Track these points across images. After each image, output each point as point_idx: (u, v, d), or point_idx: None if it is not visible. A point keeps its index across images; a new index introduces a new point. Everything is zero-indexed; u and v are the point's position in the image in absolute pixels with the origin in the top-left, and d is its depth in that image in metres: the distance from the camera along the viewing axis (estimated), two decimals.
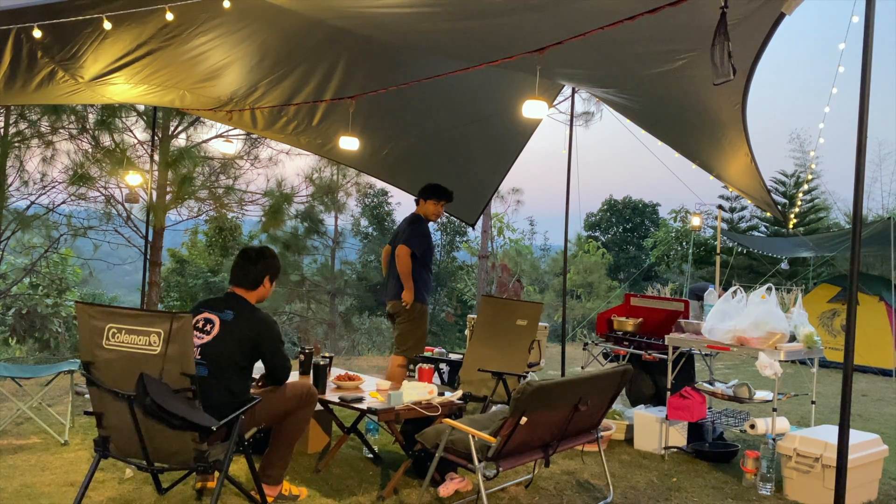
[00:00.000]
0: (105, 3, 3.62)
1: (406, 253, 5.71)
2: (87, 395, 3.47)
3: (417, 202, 6.08)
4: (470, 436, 3.44)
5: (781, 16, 3.39)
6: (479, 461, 3.40)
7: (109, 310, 3.24)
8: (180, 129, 11.05)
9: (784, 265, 14.02)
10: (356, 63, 5.34)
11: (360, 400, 4.22)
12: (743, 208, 23.11)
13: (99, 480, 4.02)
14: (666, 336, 5.22)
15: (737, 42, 3.17)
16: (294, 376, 4.39)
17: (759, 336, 4.60)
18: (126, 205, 11.04)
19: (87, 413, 3.39)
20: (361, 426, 4.81)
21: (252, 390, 3.79)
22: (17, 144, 9.90)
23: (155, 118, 8.76)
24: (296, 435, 3.86)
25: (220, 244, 15.59)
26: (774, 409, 4.63)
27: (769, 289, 4.79)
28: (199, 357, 3.48)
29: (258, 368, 3.81)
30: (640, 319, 6.15)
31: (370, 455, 4.78)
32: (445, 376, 6.11)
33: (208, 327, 3.60)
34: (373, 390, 4.44)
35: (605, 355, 6.40)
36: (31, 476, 4.17)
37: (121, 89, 5.36)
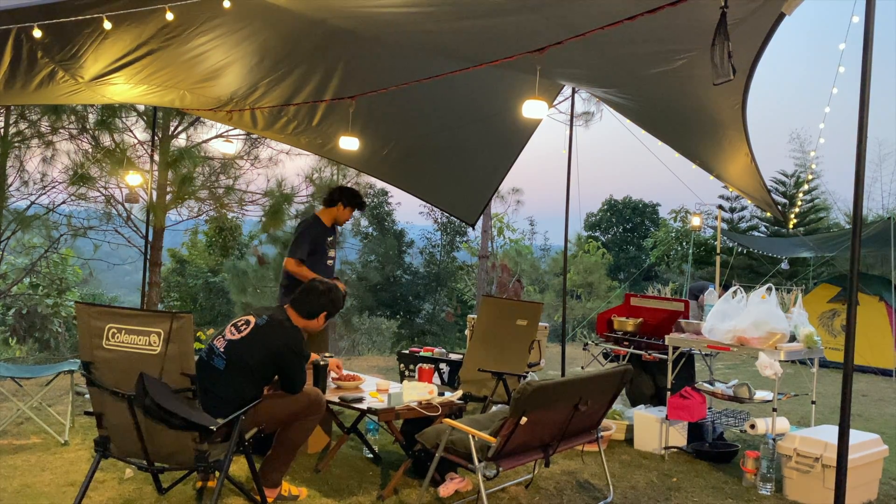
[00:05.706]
0: (105, 3, 3.62)
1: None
2: (87, 395, 3.47)
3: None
4: (470, 436, 3.44)
5: (781, 16, 3.40)
6: (479, 461, 3.41)
7: (109, 310, 3.25)
8: (180, 129, 11.03)
9: (784, 265, 13.99)
10: (356, 63, 5.33)
11: (360, 400, 4.22)
12: (743, 208, 23.10)
13: (99, 480, 4.02)
14: (666, 336, 5.22)
15: (737, 42, 3.17)
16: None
17: (759, 336, 4.59)
18: (126, 205, 11.01)
19: (87, 413, 3.40)
20: (361, 426, 4.81)
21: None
22: (17, 144, 9.88)
23: (155, 118, 8.76)
24: (299, 441, 3.85)
25: (220, 244, 15.58)
26: (774, 409, 4.63)
27: (769, 289, 4.79)
28: (221, 350, 3.61)
29: None
30: (641, 319, 6.14)
31: (370, 455, 4.78)
32: (445, 376, 6.10)
33: (243, 327, 3.69)
34: (373, 390, 4.44)
35: (605, 355, 6.40)
36: (31, 476, 4.17)
37: (121, 89, 5.36)
